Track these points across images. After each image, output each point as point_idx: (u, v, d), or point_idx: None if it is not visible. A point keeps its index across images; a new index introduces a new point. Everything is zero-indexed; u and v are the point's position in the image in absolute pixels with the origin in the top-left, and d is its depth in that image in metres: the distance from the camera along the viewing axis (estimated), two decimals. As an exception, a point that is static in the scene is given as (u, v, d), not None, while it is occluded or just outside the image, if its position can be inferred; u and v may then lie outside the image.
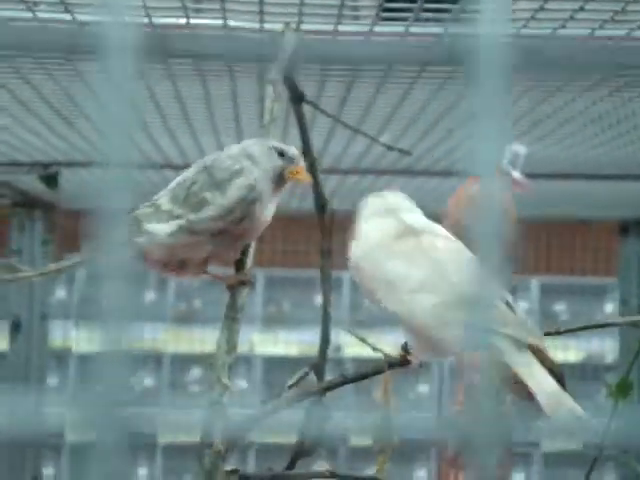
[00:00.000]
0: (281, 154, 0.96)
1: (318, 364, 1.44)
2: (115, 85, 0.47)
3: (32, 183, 2.16)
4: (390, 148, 1.10)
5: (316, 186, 1.27)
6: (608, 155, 1.93)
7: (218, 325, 0.95)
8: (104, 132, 0.48)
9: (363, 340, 1.40)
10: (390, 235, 0.90)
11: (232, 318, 0.97)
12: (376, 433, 1.43)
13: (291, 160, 0.96)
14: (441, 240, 0.89)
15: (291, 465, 1.41)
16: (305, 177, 0.98)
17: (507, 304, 0.85)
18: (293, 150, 0.97)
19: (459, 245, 0.90)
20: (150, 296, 3.66)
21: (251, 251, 1.01)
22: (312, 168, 1.22)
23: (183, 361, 3.66)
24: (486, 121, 0.49)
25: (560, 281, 3.74)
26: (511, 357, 0.82)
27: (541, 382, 0.81)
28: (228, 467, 0.80)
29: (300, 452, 1.40)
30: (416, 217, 0.92)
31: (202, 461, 0.79)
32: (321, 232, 1.31)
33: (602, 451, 1.15)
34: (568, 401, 0.80)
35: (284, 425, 1.09)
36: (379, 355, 1.37)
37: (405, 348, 0.89)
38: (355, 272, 0.91)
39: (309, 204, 2.48)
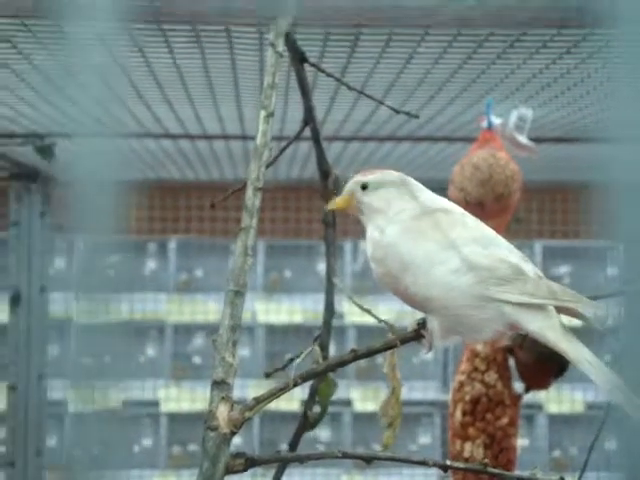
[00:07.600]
0: None
1: (322, 336, 1.40)
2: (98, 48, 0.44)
3: (29, 155, 2.13)
4: (397, 111, 1.07)
5: (319, 152, 1.23)
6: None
7: (220, 294, 0.92)
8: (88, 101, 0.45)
9: (368, 311, 1.36)
10: (414, 218, 0.87)
11: (235, 292, 0.93)
12: (384, 407, 1.41)
13: None
14: (460, 222, 0.87)
15: (295, 439, 1.39)
16: None
17: (540, 277, 0.85)
18: None
19: (483, 226, 0.89)
20: (151, 266, 3.64)
21: None
22: (315, 133, 1.18)
23: (186, 331, 3.64)
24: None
25: (563, 244, 3.70)
26: (547, 332, 0.84)
27: (585, 356, 0.82)
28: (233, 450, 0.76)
29: (304, 425, 1.38)
30: (430, 196, 0.90)
31: (206, 445, 0.75)
32: (324, 199, 1.26)
33: (608, 415, 1.16)
34: (615, 378, 0.80)
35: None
36: (382, 324, 1.34)
37: (421, 323, 0.87)
38: (377, 265, 0.87)
39: (309, 173, 2.45)
